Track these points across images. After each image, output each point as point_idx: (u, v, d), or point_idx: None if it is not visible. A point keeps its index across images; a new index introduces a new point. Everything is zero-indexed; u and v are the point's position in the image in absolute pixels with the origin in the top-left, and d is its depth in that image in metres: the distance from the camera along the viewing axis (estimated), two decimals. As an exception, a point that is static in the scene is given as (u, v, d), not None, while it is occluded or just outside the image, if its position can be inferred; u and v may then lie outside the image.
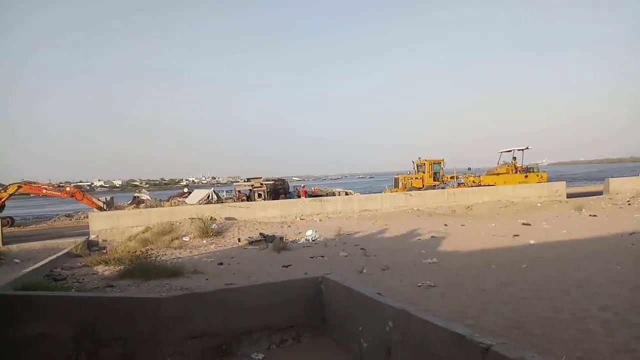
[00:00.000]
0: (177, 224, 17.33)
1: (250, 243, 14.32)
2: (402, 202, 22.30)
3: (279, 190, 31.29)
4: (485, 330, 5.16)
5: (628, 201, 21.34)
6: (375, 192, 31.70)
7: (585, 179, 59.15)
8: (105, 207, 27.77)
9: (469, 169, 31.27)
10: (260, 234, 15.34)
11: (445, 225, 16.78)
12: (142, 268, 9.74)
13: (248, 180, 32.38)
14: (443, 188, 27.24)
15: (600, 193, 25.38)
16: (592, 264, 8.91)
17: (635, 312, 5.75)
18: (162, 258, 11.40)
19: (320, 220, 20.09)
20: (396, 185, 29.38)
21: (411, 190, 25.66)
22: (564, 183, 26.06)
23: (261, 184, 30.44)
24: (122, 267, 10.24)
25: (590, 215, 17.79)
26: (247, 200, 27.75)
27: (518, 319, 5.75)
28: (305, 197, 28.04)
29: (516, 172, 28.06)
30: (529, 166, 29.10)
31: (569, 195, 24.81)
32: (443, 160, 29.67)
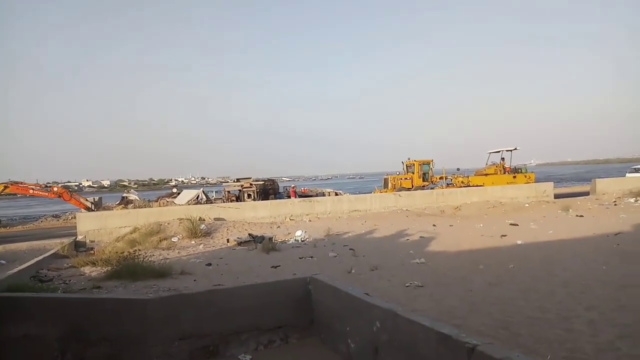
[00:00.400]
0: (166, 224, 17.22)
1: (239, 244, 14.28)
2: (391, 203, 22.39)
3: (268, 190, 31.19)
4: (472, 330, 5.19)
5: (614, 201, 21.65)
6: (364, 193, 31.79)
7: (572, 180, 59.77)
8: (93, 208, 27.58)
9: (458, 169, 31.48)
10: (250, 234, 15.29)
11: (434, 225, 16.87)
12: (129, 269, 9.65)
13: (237, 180, 32.26)
14: (432, 188, 27.38)
15: (587, 194, 25.74)
16: (578, 264, 9.02)
17: (620, 312, 5.83)
18: (150, 259, 11.32)
19: (310, 220, 20.09)
20: (385, 185, 29.50)
21: (400, 191, 25.78)
22: (551, 184, 26.34)
23: (251, 184, 30.33)
24: (110, 268, 10.14)
25: (577, 215, 18.00)
26: (237, 201, 27.64)
27: (505, 319, 5.80)
28: (295, 197, 27.98)
29: (504, 173, 28.33)
30: (517, 167, 29.42)
31: (557, 196, 25.09)
32: (432, 160, 29.89)
